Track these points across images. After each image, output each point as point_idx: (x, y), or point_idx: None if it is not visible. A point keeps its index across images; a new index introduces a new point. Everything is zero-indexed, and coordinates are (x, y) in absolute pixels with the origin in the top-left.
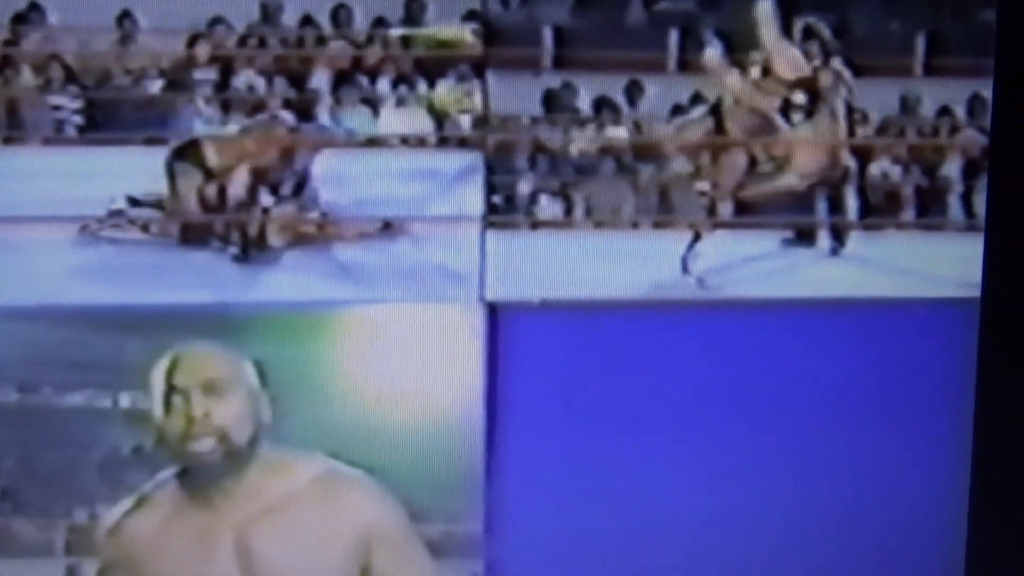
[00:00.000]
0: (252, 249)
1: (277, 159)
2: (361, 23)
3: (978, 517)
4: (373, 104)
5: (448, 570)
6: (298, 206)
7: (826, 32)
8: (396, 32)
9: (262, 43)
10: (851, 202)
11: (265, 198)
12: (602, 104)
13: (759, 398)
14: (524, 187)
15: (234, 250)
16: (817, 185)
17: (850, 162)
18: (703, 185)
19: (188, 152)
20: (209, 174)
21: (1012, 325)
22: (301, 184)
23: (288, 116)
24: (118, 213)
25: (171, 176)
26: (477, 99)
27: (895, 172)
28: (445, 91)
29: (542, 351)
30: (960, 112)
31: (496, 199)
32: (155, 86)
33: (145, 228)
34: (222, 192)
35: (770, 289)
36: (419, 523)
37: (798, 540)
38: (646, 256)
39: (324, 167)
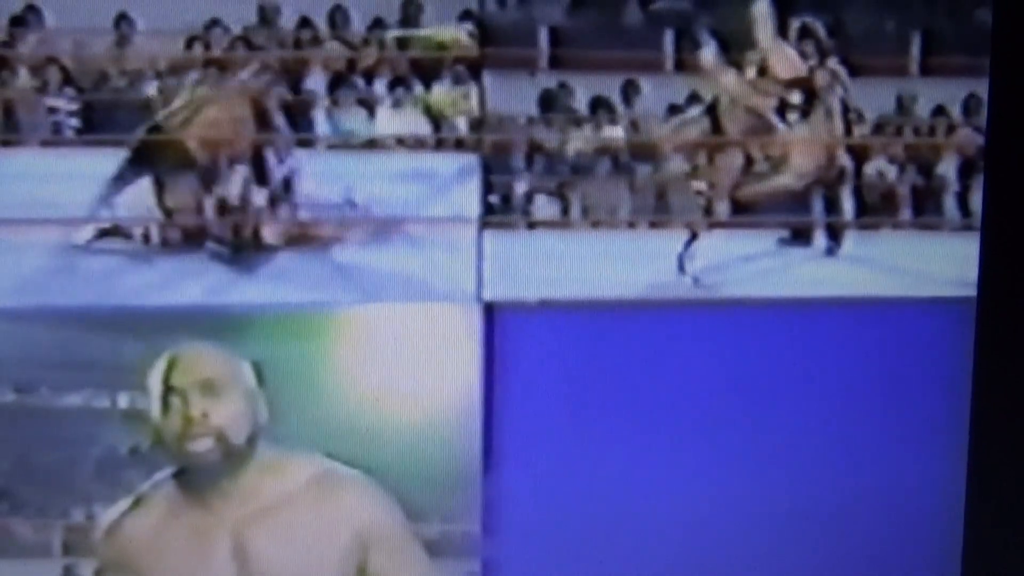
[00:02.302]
0: (249, 250)
1: (250, 143)
2: (358, 25)
3: (975, 515)
4: (369, 106)
5: (445, 570)
6: (294, 207)
7: (822, 32)
8: (392, 34)
9: (249, 44)
10: (847, 202)
11: (259, 198)
12: (598, 104)
13: (755, 397)
14: (521, 187)
15: (230, 251)
16: (813, 184)
17: (846, 162)
18: (699, 185)
19: (169, 150)
20: (197, 171)
21: (1008, 324)
22: (297, 185)
23: (259, 80)
24: (106, 233)
25: (158, 180)
26: (473, 100)
27: (891, 171)
28: (441, 92)
29: (539, 351)
30: (956, 111)
31: (493, 199)
32: (152, 88)
33: (145, 235)
34: (210, 189)
35: (766, 289)
36: (416, 523)
37: (795, 537)
38: (643, 256)
39: (320, 168)
